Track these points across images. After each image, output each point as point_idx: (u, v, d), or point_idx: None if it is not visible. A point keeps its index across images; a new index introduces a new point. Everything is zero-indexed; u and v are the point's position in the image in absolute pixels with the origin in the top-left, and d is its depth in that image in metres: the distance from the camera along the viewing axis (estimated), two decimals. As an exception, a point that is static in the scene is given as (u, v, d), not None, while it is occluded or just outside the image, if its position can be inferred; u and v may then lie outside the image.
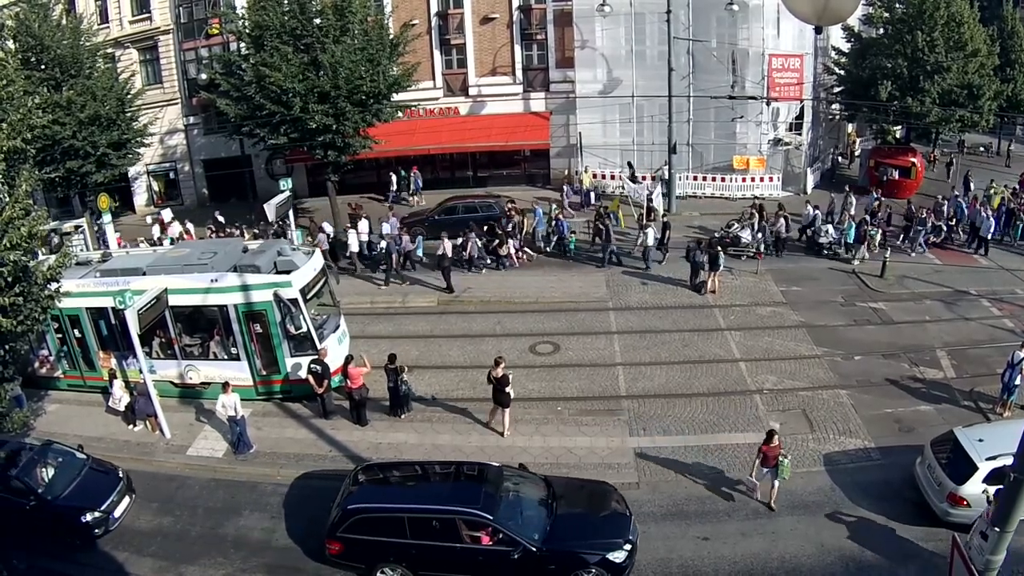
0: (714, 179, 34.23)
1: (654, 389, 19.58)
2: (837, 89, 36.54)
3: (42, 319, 16.34)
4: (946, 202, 29.36)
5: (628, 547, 13.40)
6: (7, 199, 14.63)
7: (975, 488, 13.68)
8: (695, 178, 34.42)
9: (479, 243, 27.15)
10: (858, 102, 34.28)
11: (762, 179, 33.57)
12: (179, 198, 39.42)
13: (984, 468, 13.76)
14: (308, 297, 19.17)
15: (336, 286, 23.07)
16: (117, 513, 15.74)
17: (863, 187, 32.81)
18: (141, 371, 18.36)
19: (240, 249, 20.79)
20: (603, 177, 35.06)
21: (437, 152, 36.10)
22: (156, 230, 31.12)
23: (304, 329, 18.86)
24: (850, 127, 42.34)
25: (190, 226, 31.67)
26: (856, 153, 40.79)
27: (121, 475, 16.49)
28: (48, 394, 21.01)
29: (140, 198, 39.47)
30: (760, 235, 27.47)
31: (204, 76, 33.24)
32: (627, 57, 33.67)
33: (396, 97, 30.43)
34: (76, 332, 20.25)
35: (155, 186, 39.82)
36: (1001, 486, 8.84)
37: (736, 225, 28.29)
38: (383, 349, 19.77)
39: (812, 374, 19.92)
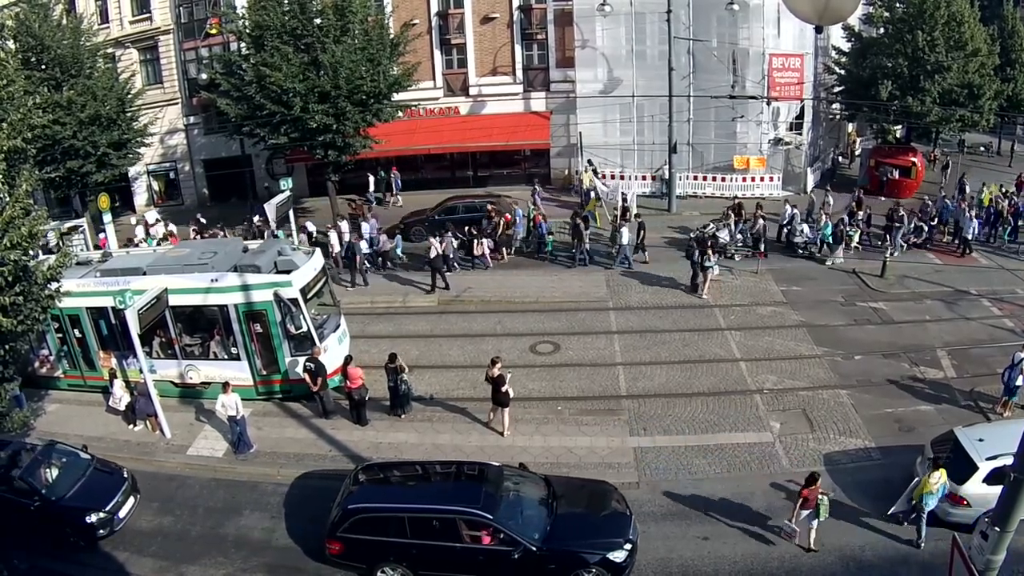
0: (714, 179, 34.21)
1: (654, 389, 19.58)
2: (837, 89, 36.53)
3: (42, 319, 16.32)
4: (931, 202, 29.28)
5: (628, 547, 13.40)
6: (7, 199, 14.62)
7: (975, 488, 13.68)
8: (695, 178, 34.39)
9: (454, 243, 27.16)
10: (858, 102, 34.26)
11: (762, 179, 33.53)
12: (179, 198, 39.42)
13: (984, 468, 13.76)
14: (308, 297, 19.17)
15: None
16: (122, 513, 15.73)
17: (863, 186, 32.79)
18: (141, 371, 18.36)
19: (240, 249, 20.80)
20: (603, 177, 34.98)
21: (437, 152, 36.10)
22: (140, 231, 31.12)
23: (304, 329, 18.86)
24: (850, 127, 42.32)
25: (173, 227, 31.76)
26: (856, 153, 40.78)
27: (126, 475, 16.49)
28: (48, 394, 21.02)
29: (140, 198, 39.45)
30: (739, 235, 27.45)
31: (204, 76, 33.25)
32: (627, 57, 33.64)
33: (396, 97, 30.44)
34: (76, 332, 20.25)
35: (155, 186, 39.81)
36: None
37: (712, 226, 28.38)
38: (383, 349, 19.78)
39: (812, 374, 19.92)
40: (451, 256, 26.95)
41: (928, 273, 25.89)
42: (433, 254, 25.50)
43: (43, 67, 28.79)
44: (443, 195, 32.68)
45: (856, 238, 27.63)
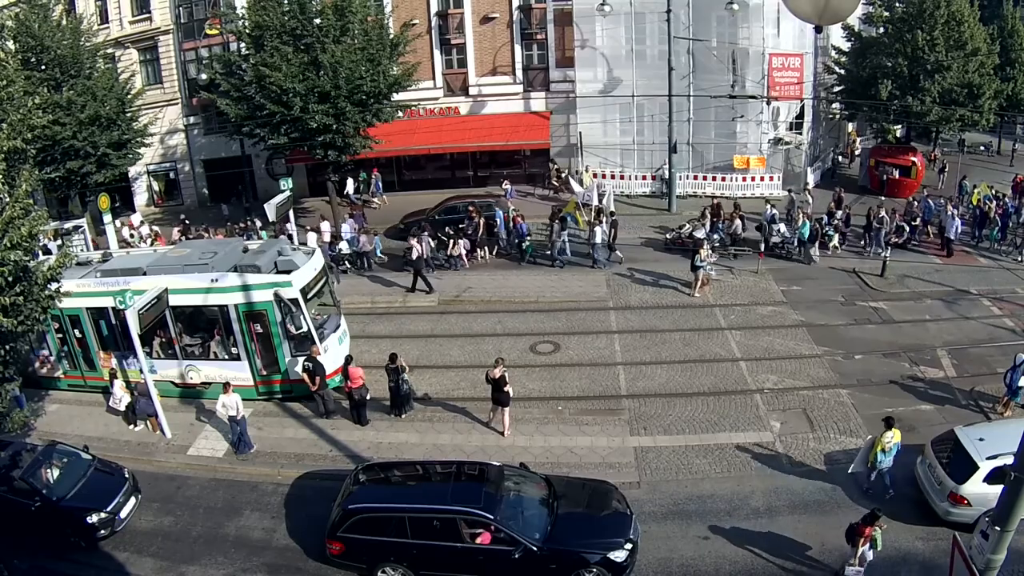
0: (714, 178, 34.20)
1: (655, 388, 19.58)
2: (837, 88, 36.53)
3: (42, 319, 16.34)
4: (916, 202, 29.10)
5: (629, 546, 13.40)
6: (7, 199, 14.63)
7: (976, 487, 13.68)
8: (695, 177, 34.40)
9: (431, 243, 27.12)
10: (858, 101, 34.28)
11: (762, 178, 33.52)
12: (179, 198, 39.43)
13: (985, 467, 13.76)
14: (309, 297, 19.17)
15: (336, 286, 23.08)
16: (123, 514, 15.72)
17: (863, 186, 32.80)
18: (142, 371, 18.37)
19: (240, 249, 20.80)
20: (603, 176, 35.03)
21: (437, 152, 36.11)
22: (125, 232, 31.15)
23: (305, 329, 18.86)
24: (850, 126, 42.33)
25: (156, 228, 31.84)
26: (856, 152, 40.77)
27: (127, 475, 16.48)
28: (48, 394, 21.03)
29: (140, 198, 39.48)
30: (716, 235, 27.59)
31: (204, 76, 33.26)
32: (627, 56, 33.65)
33: (396, 97, 30.43)
34: (77, 332, 20.26)
35: (155, 186, 39.85)
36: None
37: (688, 226, 28.42)
38: (384, 349, 19.79)
39: (813, 373, 19.92)
40: (427, 256, 26.86)
41: (928, 273, 25.89)
42: (415, 255, 25.56)
43: (43, 67, 28.80)
44: (439, 195, 32.67)
45: (836, 238, 27.63)
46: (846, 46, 35.55)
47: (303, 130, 27.99)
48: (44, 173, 26.96)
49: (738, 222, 27.49)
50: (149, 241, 29.97)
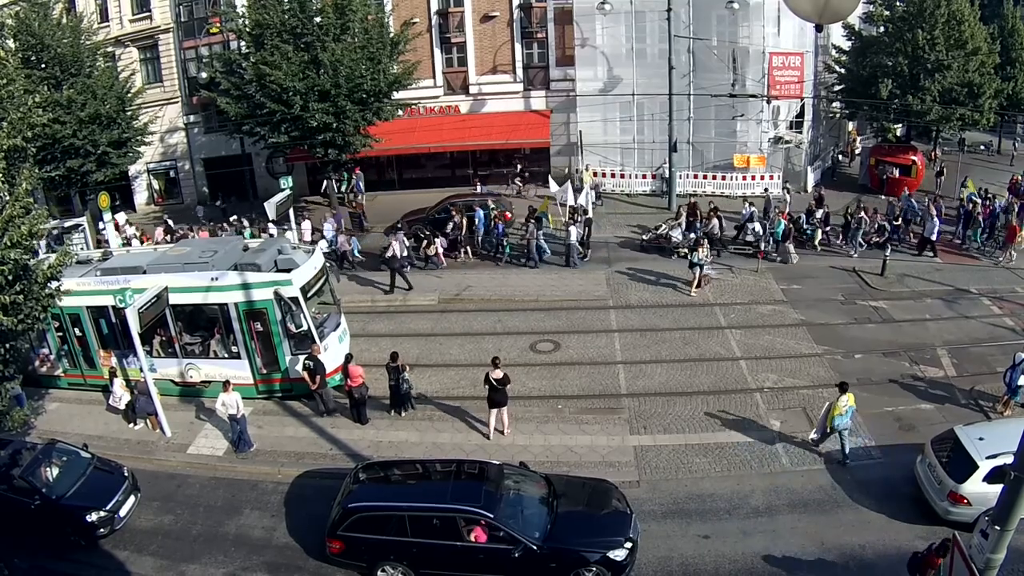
0: (715, 177, 34.20)
1: (654, 387, 19.58)
2: (838, 87, 36.55)
3: (42, 317, 16.33)
4: (898, 201, 28.91)
5: (629, 545, 13.40)
6: (7, 198, 14.63)
7: (976, 486, 13.69)
8: (696, 176, 34.39)
9: (407, 243, 27.13)
10: (858, 100, 34.28)
11: (763, 177, 33.52)
12: (179, 196, 39.43)
13: (984, 467, 13.74)
14: (309, 295, 19.16)
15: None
16: (123, 512, 15.70)
17: (863, 185, 32.79)
18: (142, 369, 18.35)
19: (240, 248, 20.80)
20: (603, 175, 35.04)
21: (437, 151, 36.10)
22: (110, 231, 31.08)
23: (305, 327, 18.85)
24: (851, 125, 42.32)
25: (142, 228, 31.84)
26: (857, 151, 40.77)
27: (126, 474, 16.46)
28: (49, 392, 21.01)
29: (141, 197, 39.51)
30: (692, 235, 27.60)
31: (204, 75, 33.27)
32: (627, 55, 33.66)
33: (396, 95, 30.46)
34: (77, 331, 20.24)
35: (155, 184, 39.86)
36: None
37: (663, 226, 28.44)
38: (384, 347, 19.79)
39: (813, 372, 19.92)
40: (404, 256, 26.79)
41: (928, 272, 25.89)
42: (390, 254, 25.57)
43: (43, 66, 28.83)
44: (439, 194, 32.55)
45: (819, 235, 27.61)
46: (846, 45, 35.54)
47: (303, 129, 28.01)
48: (44, 172, 26.94)
49: (715, 221, 27.43)
50: (135, 241, 29.80)
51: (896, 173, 33.62)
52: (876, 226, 27.78)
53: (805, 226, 27.82)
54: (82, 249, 24.05)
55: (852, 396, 16.00)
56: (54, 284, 15.98)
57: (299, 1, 27.67)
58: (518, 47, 35.55)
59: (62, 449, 16.60)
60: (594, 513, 14.37)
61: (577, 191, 29.47)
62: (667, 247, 27.84)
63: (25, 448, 16.70)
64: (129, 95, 32.12)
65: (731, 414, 18.20)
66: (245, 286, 18.82)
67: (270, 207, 23.79)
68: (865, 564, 13.70)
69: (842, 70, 35.51)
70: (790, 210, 28.58)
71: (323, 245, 27.57)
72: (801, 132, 34.84)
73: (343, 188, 35.43)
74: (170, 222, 31.79)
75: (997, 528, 8.58)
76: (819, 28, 10.27)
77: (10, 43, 27.24)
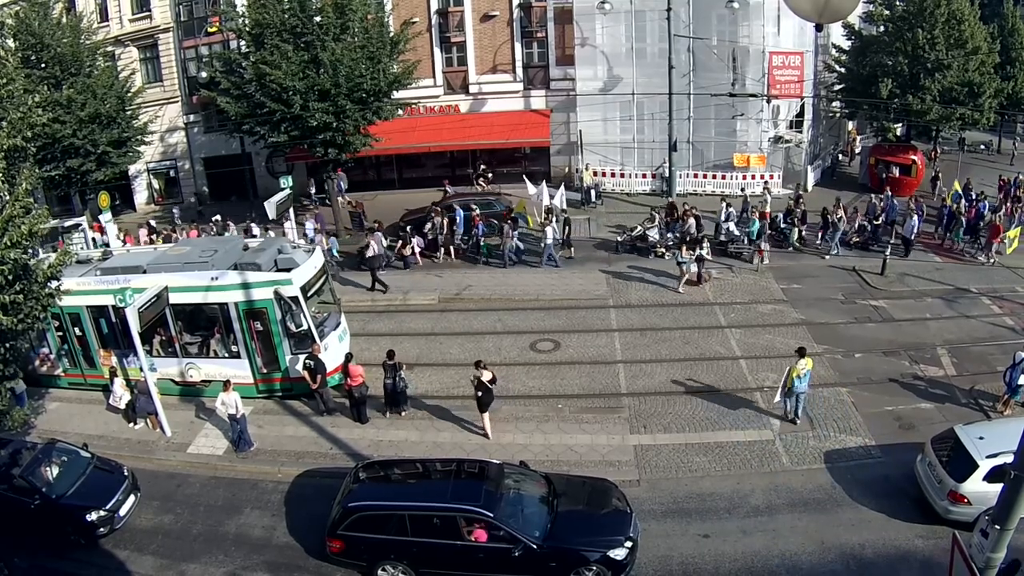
0: (715, 177, 34.19)
1: (655, 386, 19.58)
2: (838, 87, 36.54)
3: (42, 317, 16.33)
4: (879, 201, 28.78)
5: (629, 544, 13.40)
6: (7, 197, 14.63)
7: (975, 486, 13.69)
8: (695, 176, 34.38)
9: (384, 243, 27.10)
10: (858, 99, 34.26)
11: (762, 176, 33.50)
12: (179, 196, 39.43)
13: (984, 466, 13.74)
14: (309, 295, 19.16)
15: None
16: (123, 512, 15.70)
17: (863, 184, 32.74)
18: (142, 369, 18.35)
19: (240, 247, 20.80)
20: (603, 175, 35.03)
21: (437, 150, 36.10)
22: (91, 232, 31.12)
23: (305, 327, 18.85)
24: (851, 125, 42.31)
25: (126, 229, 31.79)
26: (856, 151, 40.77)
27: (126, 473, 16.46)
28: (49, 392, 21.01)
29: (141, 196, 39.52)
30: (669, 234, 27.69)
31: (204, 74, 33.25)
32: (627, 54, 33.66)
33: (396, 95, 30.42)
34: (77, 330, 20.24)
35: (155, 184, 39.85)
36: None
37: (639, 227, 28.44)
38: (384, 346, 19.74)
39: (813, 372, 19.85)
40: (380, 255, 26.69)
41: (928, 271, 25.89)
42: (370, 253, 25.55)
43: (43, 65, 28.81)
44: (432, 194, 32.69)
45: (795, 234, 27.56)
46: (846, 44, 35.52)
47: (303, 128, 27.98)
48: (44, 171, 26.93)
49: (691, 221, 27.36)
50: (116, 242, 29.63)
51: (896, 172, 33.60)
52: (856, 225, 27.72)
53: (782, 225, 27.73)
54: (81, 248, 24.06)
55: (811, 360, 17.27)
56: (54, 283, 15.98)
57: (299, 0, 27.64)
58: (518, 46, 35.54)
59: (62, 448, 16.60)
60: (594, 512, 14.36)
61: (552, 195, 29.41)
62: (644, 247, 27.91)
63: (25, 447, 16.70)
64: (129, 95, 32.12)
65: (731, 413, 18.20)
66: (245, 285, 18.82)
67: (270, 206, 23.81)
68: (865, 563, 13.70)
69: (842, 69, 35.49)
70: (770, 209, 28.65)
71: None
72: (801, 131, 34.85)
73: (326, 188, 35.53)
74: (152, 223, 31.86)
75: (997, 527, 8.55)
76: (819, 28, 10.25)
77: (10, 43, 27.23)
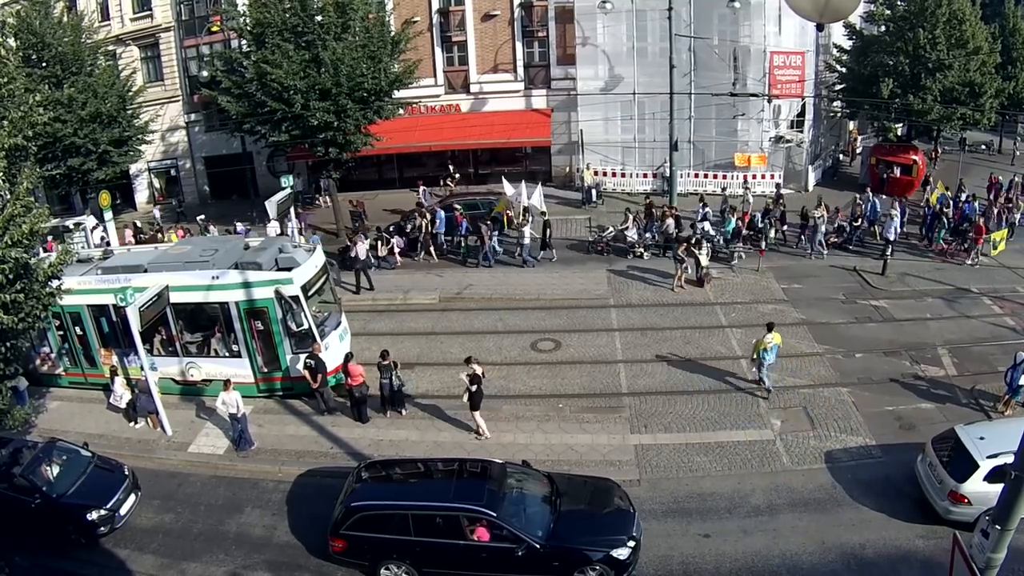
0: (715, 176, 34.17)
1: (655, 386, 19.59)
2: (839, 86, 36.48)
3: (43, 316, 16.32)
4: (863, 202, 28.65)
5: (632, 544, 13.41)
6: (8, 196, 14.63)
7: (976, 486, 13.69)
8: (696, 175, 34.37)
9: (366, 244, 27.09)
10: (859, 99, 34.22)
11: (763, 176, 33.48)
12: (180, 195, 39.43)
13: (985, 466, 13.75)
14: (309, 294, 19.17)
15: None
16: (123, 511, 15.70)
17: (864, 184, 32.66)
18: (142, 368, 18.37)
19: (241, 246, 20.81)
20: (604, 174, 35.01)
21: (438, 149, 36.09)
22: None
23: (305, 326, 18.86)
24: (851, 125, 42.29)
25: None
26: (857, 151, 40.74)
27: (127, 472, 16.47)
28: (49, 391, 21.01)
29: (141, 195, 39.52)
30: (648, 234, 27.66)
31: (205, 73, 33.24)
32: (628, 54, 33.64)
33: (397, 94, 30.41)
34: (78, 329, 20.24)
35: (156, 183, 39.85)
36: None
37: (611, 229, 28.46)
38: (385, 346, 19.77)
39: (813, 371, 19.92)
40: (362, 256, 26.59)
41: (929, 271, 25.90)
42: (354, 254, 25.66)
43: (44, 65, 28.82)
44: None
45: (772, 233, 27.55)
46: (847, 44, 35.47)
47: (304, 127, 27.97)
48: (45, 170, 26.93)
49: (670, 221, 27.35)
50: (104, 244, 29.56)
51: (897, 172, 33.57)
52: (836, 226, 27.65)
53: (760, 224, 27.73)
54: (83, 247, 24.07)
55: (779, 336, 18.40)
56: (55, 283, 15.99)
57: (300, 0, 27.64)
58: (519, 46, 35.53)
59: (63, 448, 16.60)
60: (597, 512, 14.37)
61: (530, 195, 29.36)
62: (624, 247, 27.92)
63: (26, 447, 16.70)
64: (130, 94, 32.11)
65: (732, 413, 18.22)
66: (246, 285, 18.82)
67: (271, 205, 23.81)
68: (865, 563, 13.71)
69: (843, 69, 35.44)
70: (752, 210, 28.71)
71: None
72: (802, 131, 34.81)
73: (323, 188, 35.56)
74: (138, 223, 31.89)
75: (997, 527, 8.55)
76: (820, 27, 10.26)
77: (11, 42, 27.21)
